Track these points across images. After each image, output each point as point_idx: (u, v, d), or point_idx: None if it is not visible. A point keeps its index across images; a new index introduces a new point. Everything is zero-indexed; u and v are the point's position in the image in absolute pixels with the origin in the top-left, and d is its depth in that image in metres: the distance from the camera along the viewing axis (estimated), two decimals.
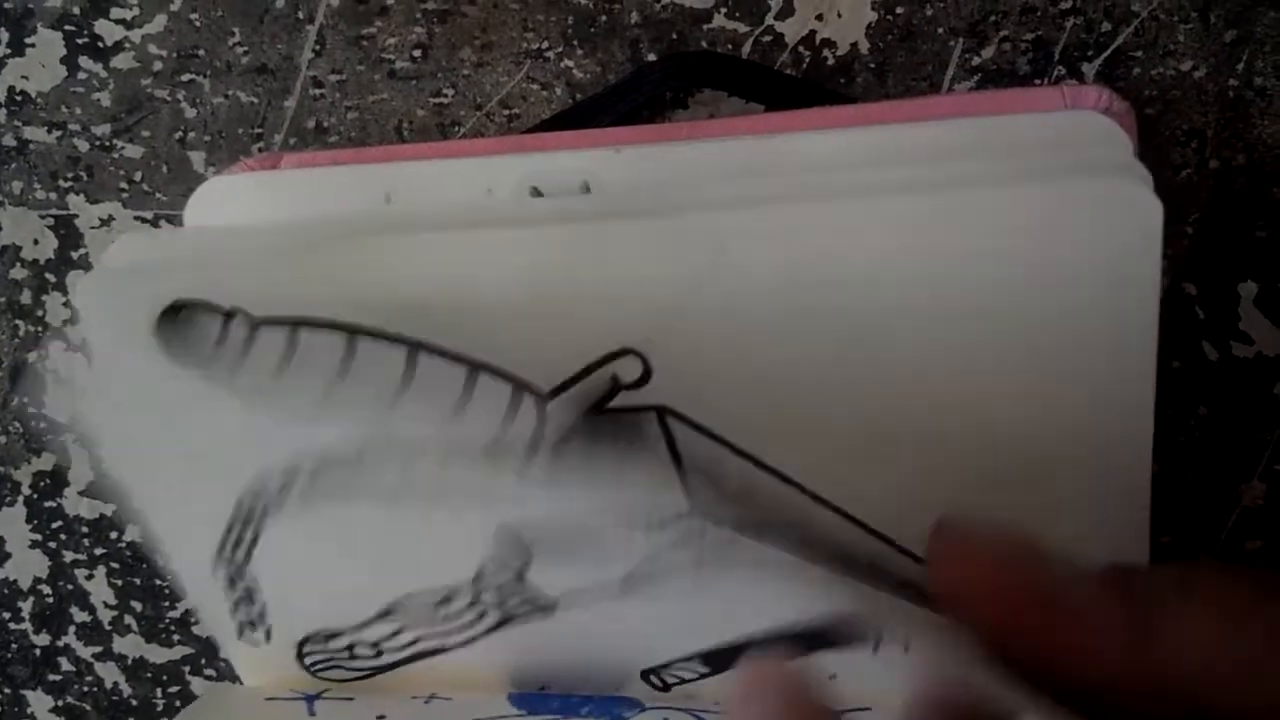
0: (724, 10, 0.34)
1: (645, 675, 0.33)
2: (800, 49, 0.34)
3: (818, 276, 0.27)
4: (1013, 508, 0.29)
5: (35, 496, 0.40)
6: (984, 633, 0.22)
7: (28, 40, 0.37)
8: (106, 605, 0.40)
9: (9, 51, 0.37)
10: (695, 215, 0.27)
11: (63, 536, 0.40)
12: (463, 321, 0.29)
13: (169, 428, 0.31)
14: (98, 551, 0.39)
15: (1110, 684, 0.21)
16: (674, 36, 0.34)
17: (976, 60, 0.33)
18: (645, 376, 0.29)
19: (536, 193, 0.31)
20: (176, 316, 0.29)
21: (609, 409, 0.29)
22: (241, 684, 0.35)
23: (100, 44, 0.37)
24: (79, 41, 0.37)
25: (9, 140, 0.38)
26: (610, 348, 0.29)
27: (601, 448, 0.30)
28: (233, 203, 0.32)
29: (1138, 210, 0.26)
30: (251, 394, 0.30)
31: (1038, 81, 0.33)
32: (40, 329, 0.39)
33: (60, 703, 0.41)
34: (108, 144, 0.37)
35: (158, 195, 0.37)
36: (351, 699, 0.34)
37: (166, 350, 0.29)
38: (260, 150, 0.37)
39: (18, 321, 0.39)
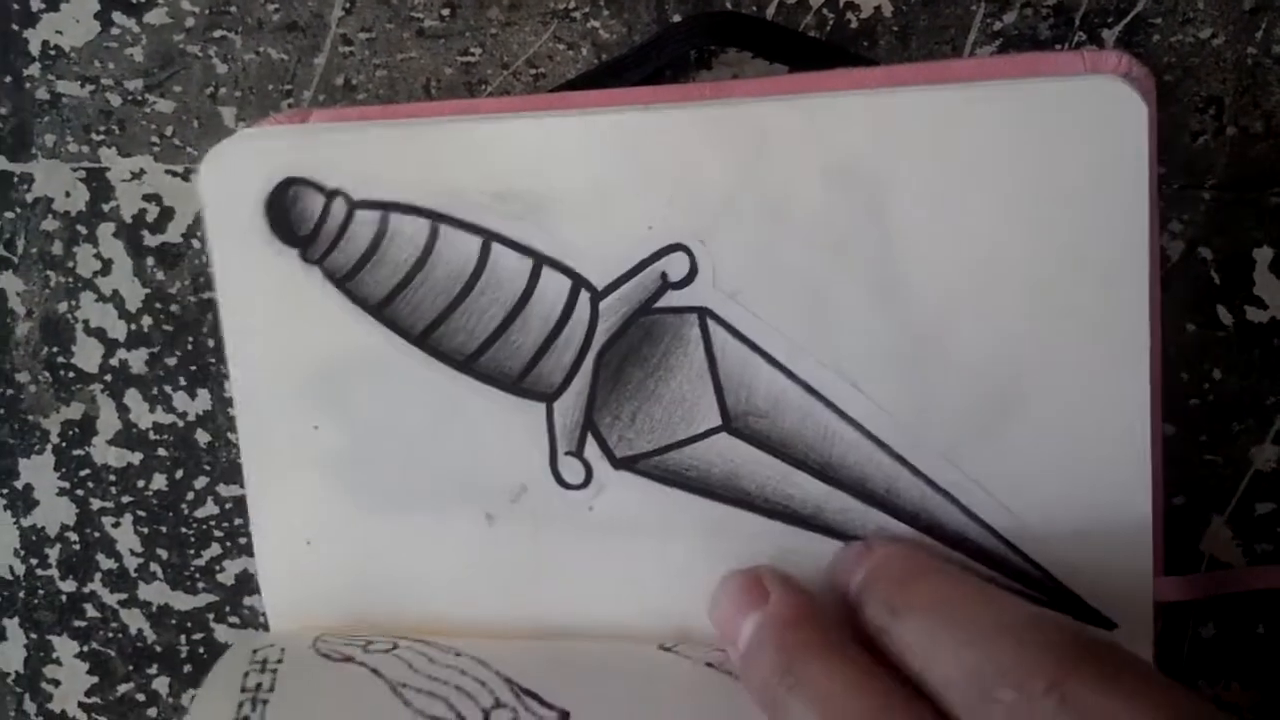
0: None
1: None
2: (824, 11, 0.34)
3: (850, 170, 0.30)
4: (1018, 429, 0.30)
5: (64, 445, 0.40)
6: None
7: None
8: (132, 553, 0.41)
9: (44, 6, 0.38)
10: (739, 105, 0.30)
11: (90, 485, 0.40)
12: (531, 211, 0.31)
13: (264, 303, 0.33)
14: (124, 500, 0.40)
15: None
16: None
17: (998, 25, 0.34)
18: (692, 274, 0.31)
19: None
20: (285, 194, 0.32)
21: (655, 309, 0.31)
22: (268, 630, 0.36)
23: (133, 0, 0.37)
24: None
25: (43, 94, 0.39)
26: (663, 243, 0.31)
27: (644, 352, 0.31)
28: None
29: (1122, 108, 0.28)
30: (341, 275, 0.32)
31: (1059, 47, 0.34)
32: (71, 280, 0.39)
33: (85, 648, 0.41)
34: (140, 98, 0.38)
35: (189, 149, 0.38)
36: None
37: (272, 227, 0.32)
38: (290, 106, 0.37)
39: (49, 273, 0.39)
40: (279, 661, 0.33)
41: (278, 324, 0.33)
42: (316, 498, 0.34)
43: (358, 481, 0.34)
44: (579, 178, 0.31)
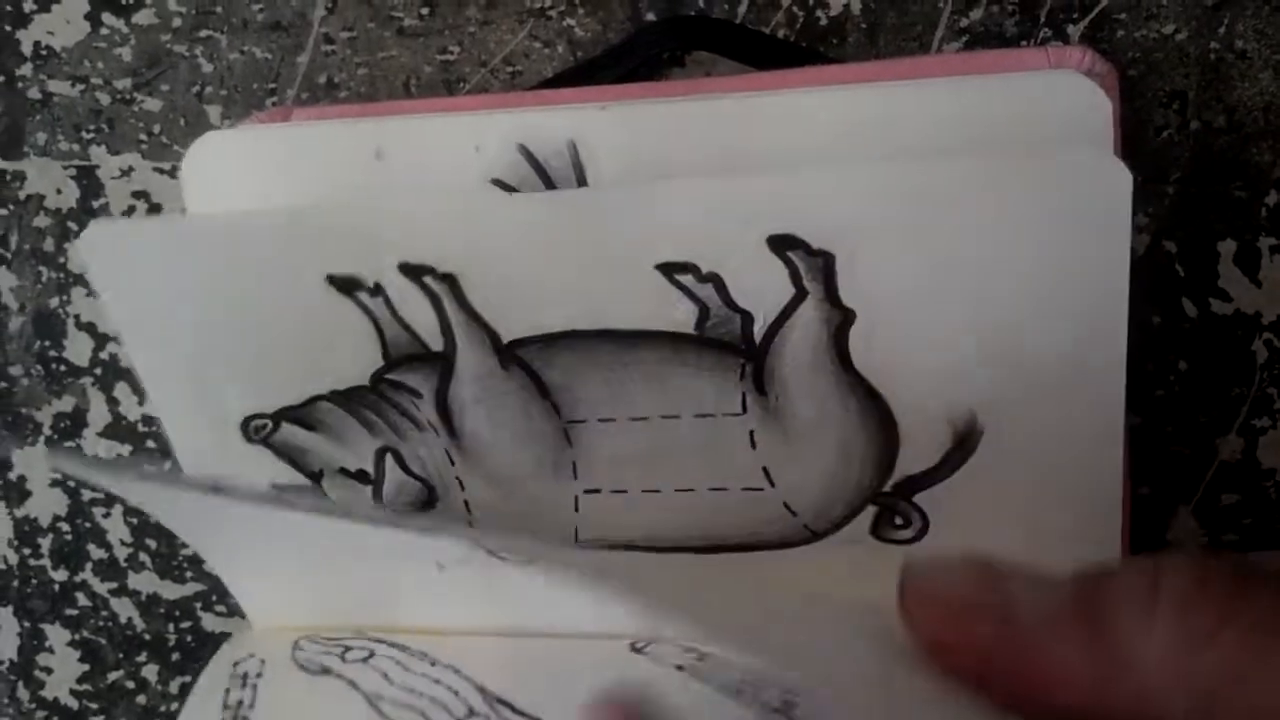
0: None
1: None
2: (794, 9, 0.35)
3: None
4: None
5: (56, 437, 0.41)
6: (966, 677, 0.21)
7: None
8: (122, 543, 0.41)
9: (35, 8, 0.39)
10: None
11: None
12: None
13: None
14: (114, 491, 0.41)
15: (1083, 712, 0.20)
16: None
17: (965, 22, 0.34)
18: None
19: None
20: None
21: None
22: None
23: (122, 1, 0.38)
24: None
25: (35, 93, 0.39)
26: None
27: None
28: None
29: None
30: None
31: (1024, 43, 0.34)
32: (62, 276, 0.40)
33: (77, 636, 0.42)
34: (128, 97, 0.39)
35: (175, 147, 0.39)
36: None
37: None
38: (274, 104, 0.38)
39: (41, 268, 0.40)
40: (259, 675, 0.33)
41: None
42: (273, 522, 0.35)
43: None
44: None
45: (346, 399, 0.32)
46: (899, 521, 0.31)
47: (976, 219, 0.27)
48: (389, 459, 0.33)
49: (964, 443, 0.30)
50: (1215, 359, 0.34)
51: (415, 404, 0.32)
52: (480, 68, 0.37)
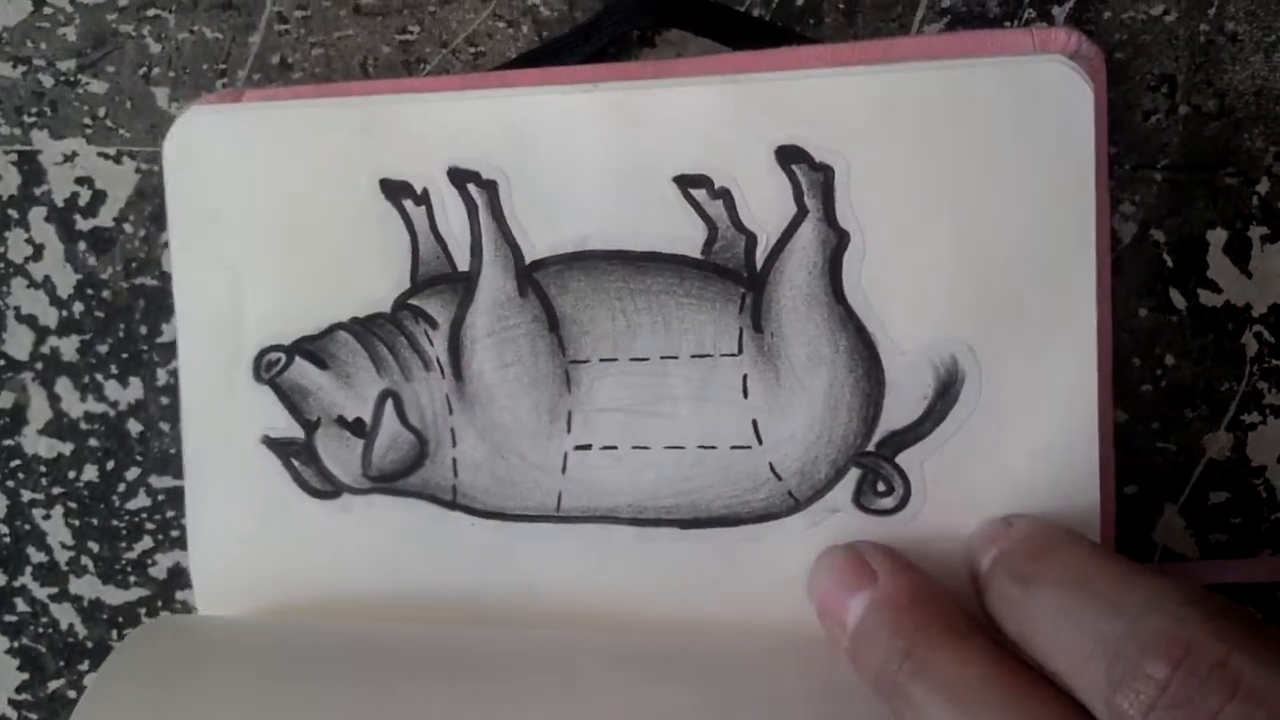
0: None
1: None
2: None
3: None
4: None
5: None
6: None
7: None
8: (63, 546, 0.39)
9: None
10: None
11: (21, 475, 0.39)
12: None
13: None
14: (55, 491, 0.39)
15: None
16: None
17: (946, 2, 0.33)
18: None
19: None
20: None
21: None
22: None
23: None
24: None
25: None
26: None
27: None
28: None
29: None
30: None
31: (1008, 24, 0.33)
32: (2, 266, 0.38)
33: (16, 644, 0.40)
34: (72, 79, 0.37)
35: (121, 131, 0.37)
36: None
37: None
38: (224, 86, 0.36)
39: None
40: None
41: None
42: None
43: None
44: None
45: (364, 328, 0.32)
46: (881, 488, 0.31)
47: (950, 132, 0.29)
48: (389, 406, 0.33)
49: (946, 390, 0.30)
50: (1204, 352, 0.33)
51: (429, 336, 0.32)
52: (441, 48, 0.35)
